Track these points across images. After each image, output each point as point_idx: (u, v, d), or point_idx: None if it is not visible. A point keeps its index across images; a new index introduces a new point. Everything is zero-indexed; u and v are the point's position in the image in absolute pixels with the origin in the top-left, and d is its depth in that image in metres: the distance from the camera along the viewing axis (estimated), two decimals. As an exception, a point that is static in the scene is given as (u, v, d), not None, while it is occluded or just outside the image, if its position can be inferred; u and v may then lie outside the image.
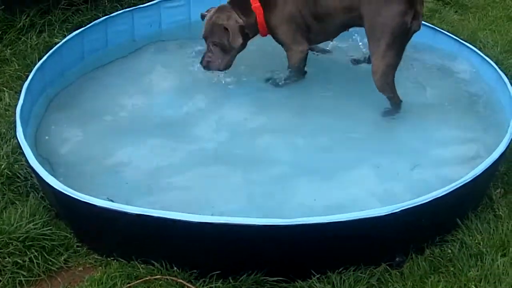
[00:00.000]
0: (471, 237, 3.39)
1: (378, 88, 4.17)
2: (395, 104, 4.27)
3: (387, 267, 3.23)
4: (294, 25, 4.31)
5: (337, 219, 3.02)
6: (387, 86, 4.17)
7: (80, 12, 5.22)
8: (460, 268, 3.23)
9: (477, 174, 3.34)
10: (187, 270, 3.13)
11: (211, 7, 4.38)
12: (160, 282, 3.09)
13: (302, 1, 4.25)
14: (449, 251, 3.33)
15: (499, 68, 4.43)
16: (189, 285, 3.08)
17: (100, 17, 4.90)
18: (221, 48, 4.28)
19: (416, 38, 4.92)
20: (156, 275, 3.11)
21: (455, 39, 4.87)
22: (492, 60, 4.54)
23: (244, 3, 4.29)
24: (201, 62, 4.33)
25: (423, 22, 4.99)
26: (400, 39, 4.07)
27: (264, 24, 4.29)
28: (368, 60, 4.46)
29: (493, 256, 3.27)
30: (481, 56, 4.60)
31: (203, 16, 4.39)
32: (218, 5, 4.36)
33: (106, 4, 5.35)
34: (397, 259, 3.25)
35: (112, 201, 3.18)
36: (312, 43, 4.52)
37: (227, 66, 4.34)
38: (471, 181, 3.31)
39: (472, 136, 4.10)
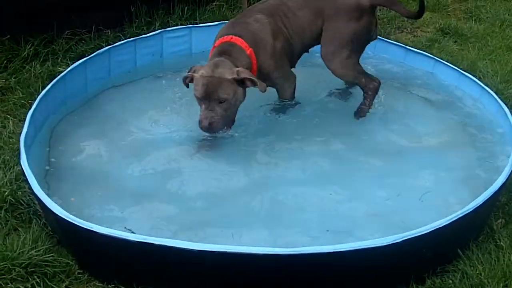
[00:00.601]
0: (472, 268, 3.36)
1: (340, 75, 4.48)
2: (368, 88, 4.46)
3: (388, 297, 3.22)
4: (284, 59, 4.32)
5: (337, 249, 3.02)
6: (351, 71, 4.43)
7: (83, 41, 5.29)
8: (461, 299, 3.21)
9: (478, 205, 3.35)
10: (187, 297, 3.14)
11: (192, 65, 4.13)
12: (160, 309, 3.10)
13: (286, 27, 4.29)
14: (450, 281, 3.31)
15: (499, 98, 4.46)
16: (189, 312, 3.10)
17: (103, 47, 4.97)
18: (227, 105, 3.97)
19: (416, 67, 5.00)
20: (157, 302, 3.13)
21: (454, 69, 4.90)
22: (492, 90, 4.57)
23: (238, 52, 4.09)
24: (201, 125, 3.97)
25: (422, 52, 5.09)
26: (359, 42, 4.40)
27: (255, 69, 4.16)
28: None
29: (494, 287, 3.24)
30: (481, 86, 4.63)
31: (187, 79, 4.08)
32: (210, 61, 4.05)
33: (109, 34, 5.41)
34: (398, 289, 3.24)
35: (131, 231, 3.21)
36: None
37: (230, 125, 4.09)
38: (472, 211, 3.32)
39: (473, 166, 4.11)
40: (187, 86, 4.11)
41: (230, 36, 4.15)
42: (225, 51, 4.08)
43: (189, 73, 4.05)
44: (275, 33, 4.24)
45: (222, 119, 3.98)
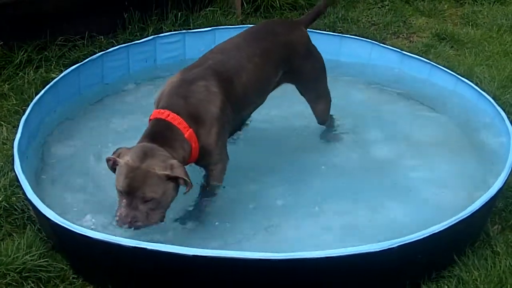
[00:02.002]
0: (468, 274, 3.34)
1: (325, 124, 4.33)
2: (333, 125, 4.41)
3: (383, 303, 3.21)
4: (226, 136, 3.72)
5: (331, 254, 3.01)
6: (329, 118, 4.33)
7: (76, 48, 5.29)
8: (457, 305, 3.20)
9: (474, 210, 3.34)
10: (182, 302, 3.13)
11: (130, 147, 3.37)
12: (155, 315, 3.10)
13: (238, 92, 3.69)
14: (446, 287, 3.30)
15: (497, 103, 4.44)
16: (183, 317, 3.09)
17: (96, 53, 4.97)
18: (153, 204, 3.27)
19: (412, 73, 4.99)
20: (151, 307, 3.12)
21: (451, 74, 4.89)
22: (489, 96, 4.55)
23: (176, 138, 3.40)
24: (118, 223, 3.27)
25: (418, 57, 5.08)
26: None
27: (197, 151, 3.51)
28: None
29: (490, 293, 3.23)
30: (478, 91, 4.62)
31: (109, 161, 3.37)
32: (139, 145, 3.35)
33: (102, 40, 5.41)
34: (393, 295, 3.23)
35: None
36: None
37: (162, 219, 3.36)
38: (468, 217, 3.30)
39: (469, 171, 4.11)
40: (113, 171, 3.39)
41: (167, 112, 3.42)
42: (159, 135, 3.38)
43: (112, 156, 3.35)
44: (224, 104, 3.57)
45: (147, 218, 3.27)
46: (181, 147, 3.40)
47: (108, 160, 3.38)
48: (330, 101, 4.26)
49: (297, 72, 4.02)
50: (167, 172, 3.24)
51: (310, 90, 4.15)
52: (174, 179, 3.28)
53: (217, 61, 3.68)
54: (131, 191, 3.23)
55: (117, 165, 3.31)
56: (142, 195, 3.23)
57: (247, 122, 4.31)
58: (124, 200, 3.25)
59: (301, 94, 4.18)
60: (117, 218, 3.27)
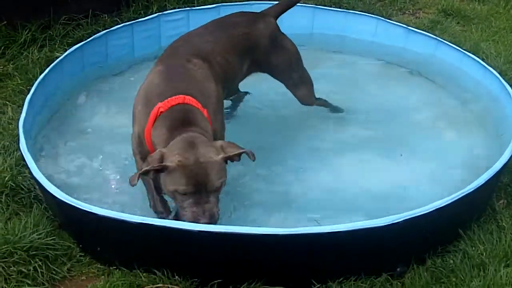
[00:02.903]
0: (473, 248, 3.35)
1: (311, 105, 4.25)
2: (328, 104, 4.37)
3: (389, 277, 3.21)
4: (223, 112, 3.63)
5: (337, 229, 3.02)
6: (314, 99, 4.24)
7: (80, 26, 5.27)
8: (462, 278, 3.20)
9: (480, 185, 3.34)
10: (188, 278, 3.14)
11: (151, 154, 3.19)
12: (161, 291, 3.11)
13: (220, 75, 3.61)
14: (451, 261, 3.31)
15: (503, 78, 4.42)
16: (190, 293, 3.10)
17: (100, 31, 4.95)
18: (219, 191, 3.19)
19: (418, 48, 4.96)
20: (158, 283, 3.13)
21: (457, 49, 4.87)
22: (495, 71, 4.53)
23: (202, 119, 3.27)
24: (191, 220, 3.09)
25: (425, 32, 5.05)
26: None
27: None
28: None
29: (496, 266, 3.23)
30: (484, 66, 4.60)
31: (149, 173, 3.12)
32: (176, 139, 3.15)
33: (106, 18, 5.39)
34: (398, 269, 3.23)
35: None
36: None
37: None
38: (473, 191, 3.30)
39: (475, 146, 4.13)
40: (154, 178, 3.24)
41: (182, 96, 3.26)
42: (187, 121, 3.21)
43: (156, 165, 3.07)
44: (215, 80, 3.51)
45: (218, 208, 3.16)
46: (207, 127, 3.27)
47: (146, 172, 3.10)
48: (311, 85, 4.18)
49: (264, 63, 3.94)
50: (222, 155, 3.12)
51: (285, 79, 4.07)
52: (228, 159, 3.16)
53: (189, 47, 3.59)
54: (201, 189, 3.08)
55: (165, 170, 3.10)
56: (213, 188, 3.10)
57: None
58: (192, 199, 3.09)
59: (279, 81, 4.11)
60: (191, 218, 3.08)
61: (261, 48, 3.89)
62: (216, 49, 3.62)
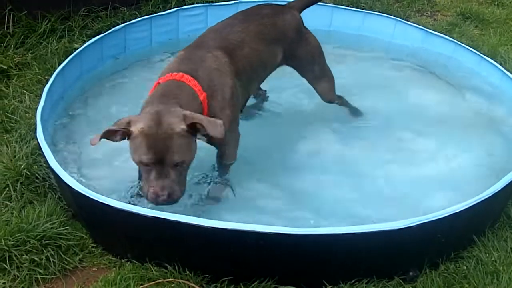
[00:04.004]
0: (487, 255, 3.34)
1: (333, 102, 4.28)
2: (349, 104, 4.37)
3: (401, 281, 3.21)
4: (238, 110, 3.59)
5: (351, 230, 3.02)
6: (336, 96, 4.26)
7: (99, 18, 5.31)
8: (475, 285, 3.18)
9: (496, 191, 3.32)
10: (199, 274, 3.15)
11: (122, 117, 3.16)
12: (172, 285, 3.11)
13: (245, 67, 3.61)
14: (464, 267, 3.29)
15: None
16: (200, 289, 3.11)
17: (119, 24, 4.98)
18: (182, 167, 3.12)
19: (435, 50, 4.92)
20: (169, 278, 3.14)
21: (475, 53, 4.85)
22: (513, 75, 4.52)
23: (188, 97, 3.20)
24: (158, 199, 3.09)
25: (443, 35, 5.03)
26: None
27: None
28: None
29: (510, 274, 3.21)
30: (502, 71, 4.59)
31: (117, 134, 3.08)
32: (148, 108, 3.12)
33: (125, 11, 5.41)
34: (410, 273, 3.23)
35: None
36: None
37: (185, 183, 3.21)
38: (489, 197, 3.28)
39: (493, 151, 4.11)
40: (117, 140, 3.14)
41: (181, 74, 3.26)
42: (170, 95, 3.17)
43: (121, 127, 3.06)
44: (234, 75, 3.48)
45: (180, 185, 3.12)
46: (191, 105, 3.16)
47: (111, 132, 3.07)
48: (333, 80, 4.21)
49: (290, 55, 3.95)
50: (183, 126, 3.04)
51: (307, 72, 4.10)
52: (193, 130, 3.08)
53: (216, 38, 3.60)
54: (159, 160, 3.04)
55: (129, 136, 3.10)
56: (173, 161, 3.05)
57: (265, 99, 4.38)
58: (153, 172, 3.07)
59: (301, 75, 4.14)
60: (151, 194, 3.08)
61: (288, 39, 3.91)
62: (246, 39, 3.65)
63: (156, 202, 3.10)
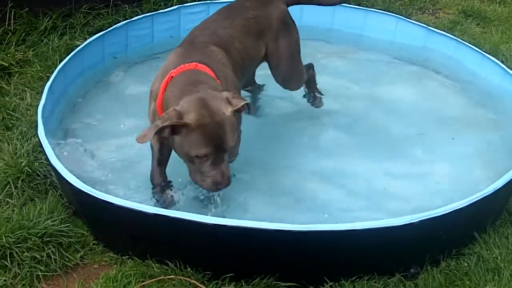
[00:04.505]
0: (488, 251, 3.34)
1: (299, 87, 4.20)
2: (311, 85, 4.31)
3: (402, 278, 3.20)
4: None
5: (352, 227, 3.01)
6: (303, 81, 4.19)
7: (101, 16, 5.31)
8: (477, 282, 3.18)
9: (497, 188, 3.32)
10: (200, 271, 3.15)
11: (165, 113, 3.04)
12: (173, 282, 3.11)
13: (238, 62, 3.61)
14: (466, 264, 3.29)
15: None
16: (202, 286, 3.10)
17: (121, 21, 4.98)
18: (234, 147, 3.17)
19: (437, 49, 4.92)
20: (170, 275, 3.14)
21: (477, 51, 4.85)
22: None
23: (211, 81, 3.19)
24: (220, 185, 3.09)
25: (444, 33, 5.03)
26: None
27: None
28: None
29: (511, 271, 3.21)
30: (504, 69, 4.59)
31: (165, 130, 2.96)
32: (188, 97, 3.03)
33: (127, 8, 5.41)
34: (412, 270, 3.23)
35: None
36: None
37: None
38: (490, 194, 3.29)
39: (494, 149, 4.10)
40: (165, 137, 3.05)
41: (194, 63, 3.22)
42: (195, 81, 3.12)
43: (174, 121, 2.94)
44: (233, 69, 3.50)
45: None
46: (217, 88, 3.16)
47: (162, 129, 2.94)
48: (304, 77, 4.17)
49: (273, 48, 3.88)
50: (231, 109, 3.01)
51: (282, 68, 3.97)
52: (236, 111, 3.07)
53: (207, 34, 3.57)
54: (219, 148, 3.00)
55: (184, 128, 2.98)
56: (230, 146, 3.02)
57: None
58: (210, 161, 3.01)
59: (272, 73, 4.00)
60: (211, 184, 3.05)
61: (273, 29, 3.86)
62: (234, 34, 3.64)
63: (217, 189, 3.09)
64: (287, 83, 4.08)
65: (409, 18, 5.42)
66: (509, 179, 3.39)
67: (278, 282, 3.12)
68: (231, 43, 3.59)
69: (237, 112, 3.09)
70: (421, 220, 3.08)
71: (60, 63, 4.34)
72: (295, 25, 4.02)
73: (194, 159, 3.04)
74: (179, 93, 3.09)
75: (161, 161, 3.44)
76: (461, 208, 3.18)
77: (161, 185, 3.47)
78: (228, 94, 3.07)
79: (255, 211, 3.50)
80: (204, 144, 2.97)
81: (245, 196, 3.59)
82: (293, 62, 4.01)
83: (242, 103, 3.06)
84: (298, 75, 4.11)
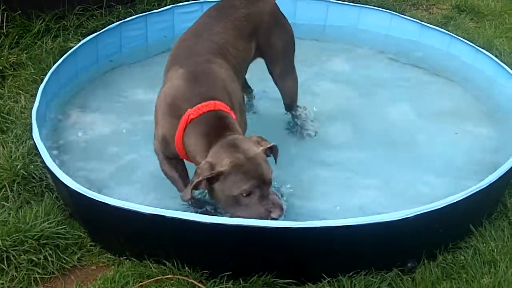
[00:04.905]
0: (484, 244, 3.35)
1: (292, 108, 4.11)
2: (300, 113, 4.19)
3: (399, 272, 3.21)
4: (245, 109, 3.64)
5: (349, 223, 3.01)
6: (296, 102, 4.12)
7: (94, 17, 5.29)
8: (473, 275, 3.19)
9: (492, 181, 3.33)
10: (198, 270, 3.15)
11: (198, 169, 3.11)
12: (171, 282, 3.11)
13: (235, 66, 3.58)
14: (462, 257, 3.31)
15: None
16: (200, 285, 3.09)
17: (114, 22, 4.97)
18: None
19: (431, 44, 4.93)
20: (168, 274, 3.14)
21: (471, 45, 4.86)
22: (509, 67, 4.52)
23: (231, 121, 3.24)
24: (276, 215, 3.11)
25: (438, 28, 5.04)
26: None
27: None
28: None
29: (507, 263, 3.23)
30: (498, 63, 4.60)
31: (201, 183, 3.06)
32: (218, 146, 3.11)
33: (120, 9, 5.41)
34: (409, 264, 3.23)
35: None
36: None
37: None
38: (485, 188, 3.30)
39: (488, 143, 4.11)
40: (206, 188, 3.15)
41: (212, 102, 3.21)
42: (223, 127, 3.18)
43: (208, 173, 3.04)
44: (235, 79, 3.51)
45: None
46: (240, 130, 3.26)
47: (198, 184, 3.06)
48: (297, 82, 4.07)
49: (264, 44, 3.84)
50: (263, 147, 3.16)
51: (277, 64, 3.93)
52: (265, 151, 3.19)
53: (203, 43, 3.52)
54: (261, 182, 3.07)
55: (219, 176, 3.06)
56: (270, 178, 3.11)
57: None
58: (256, 196, 3.08)
59: (269, 69, 3.97)
60: (269, 215, 3.08)
61: (264, 24, 3.81)
62: (228, 39, 3.60)
63: (272, 218, 3.10)
64: (283, 80, 4.01)
65: (403, 14, 5.42)
66: (504, 172, 3.40)
67: (276, 279, 3.12)
68: (226, 49, 3.56)
69: (265, 154, 3.19)
70: (417, 215, 3.08)
71: (54, 65, 4.33)
72: (286, 19, 3.99)
73: (240, 198, 3.09)
74: (204, 143, 3.16)
75: (181, 175, 3.44)
76: (457, 202, 3.18)
77: (194, 198, 3.39)
78: (257, 137, 3.20)
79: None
80: (244, 180, 3.05)
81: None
82: (288, 57, 3.98)
83: (271, 144, 3.20)
84: (293, 76, 4.05)
